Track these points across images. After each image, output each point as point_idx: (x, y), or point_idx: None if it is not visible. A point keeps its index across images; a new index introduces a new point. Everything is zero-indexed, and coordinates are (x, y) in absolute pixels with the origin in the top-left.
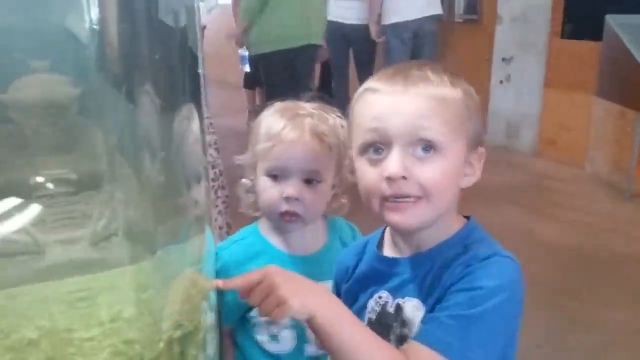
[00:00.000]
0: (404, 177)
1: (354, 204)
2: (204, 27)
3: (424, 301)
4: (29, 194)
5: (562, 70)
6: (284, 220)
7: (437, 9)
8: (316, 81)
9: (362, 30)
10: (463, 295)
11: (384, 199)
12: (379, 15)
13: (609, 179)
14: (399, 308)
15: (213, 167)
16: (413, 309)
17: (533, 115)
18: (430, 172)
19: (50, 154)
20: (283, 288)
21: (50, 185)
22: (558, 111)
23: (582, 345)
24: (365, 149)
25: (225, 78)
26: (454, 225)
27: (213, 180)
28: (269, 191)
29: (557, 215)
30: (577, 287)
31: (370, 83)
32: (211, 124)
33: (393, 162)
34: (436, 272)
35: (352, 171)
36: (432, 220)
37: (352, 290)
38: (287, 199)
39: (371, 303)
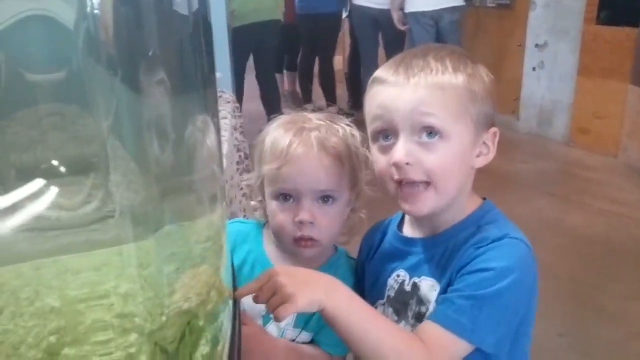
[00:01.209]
0: (408, 164)
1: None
2: (232, 11)
3: (438, 280)
4: (49, 173)
5: (597, 57)
6: (299, 246)
7: (457, 0)
8: (345, 68)
9: (391, 15)
10: (474, 277)
11: (397, 183)
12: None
13: None
14: (415, 286)
15: (238, 150)
16: (429, 287)
17: (566, 103)
18: (435, 157)
19: (49, 136)
20: (289, 285)
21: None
22: (592, 99)
23: (605, 336)
24: (375, 136)
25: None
26: (468, 206)
27: (238, 163)
28: (280, 216)
29: (587, 204)
30: (602, 277)
31: (377, 72)
32: (237, 107)
33: (398, 150)
34: (450, 253)
35: (369, 183)
36: (444, 205)
37: (374, 268)
38: (301, 224)
39: (390, 281)
